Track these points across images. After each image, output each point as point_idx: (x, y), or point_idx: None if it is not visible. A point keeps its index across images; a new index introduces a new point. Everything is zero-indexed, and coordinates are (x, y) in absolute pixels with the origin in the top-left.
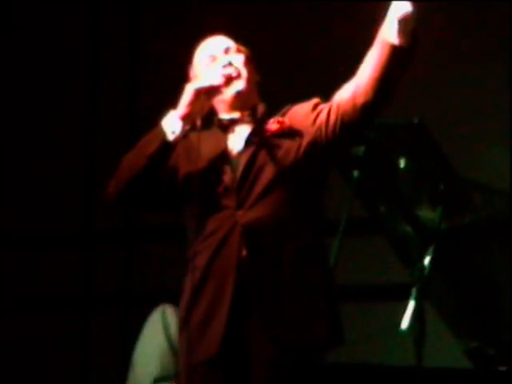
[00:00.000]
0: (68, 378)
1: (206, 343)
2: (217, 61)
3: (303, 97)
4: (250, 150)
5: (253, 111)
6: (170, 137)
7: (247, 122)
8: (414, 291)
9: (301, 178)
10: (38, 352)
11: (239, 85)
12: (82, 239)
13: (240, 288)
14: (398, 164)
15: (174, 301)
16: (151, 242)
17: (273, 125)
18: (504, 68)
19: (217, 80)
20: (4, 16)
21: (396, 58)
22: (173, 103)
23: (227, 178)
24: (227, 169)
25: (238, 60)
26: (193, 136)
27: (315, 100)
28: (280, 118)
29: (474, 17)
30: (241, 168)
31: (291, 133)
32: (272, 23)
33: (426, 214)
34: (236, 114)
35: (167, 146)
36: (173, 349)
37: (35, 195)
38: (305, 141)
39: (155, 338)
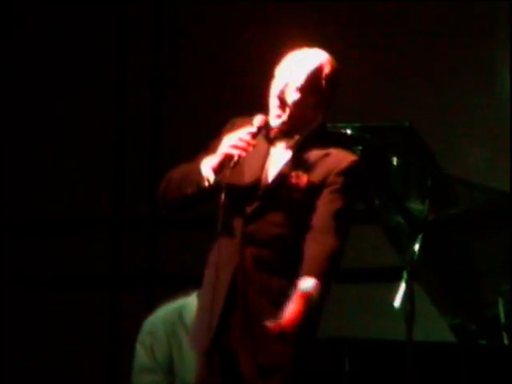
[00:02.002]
0: (96, 358)
1: (203, 334)
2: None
3: None
4: (271, 188)
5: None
6: (205, 184)
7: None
8: (404, 274)
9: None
10: (67, 331)
11: (275, 122)
12: (111, 225)
13: (231, 298)
14: (390, 162)
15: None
16: (175, 229)
17: (292, 180)
18: (484, 71)
19: (232, 152)
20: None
21: None
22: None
23: (249, 202)
24: (253, 192)
25: (287, 99)
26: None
27: (349, 163)
28: (300, 173)
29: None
30: (256, 205)
31: (306, 190)
32: None
33: (416, 206)
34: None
35: (203, 191)
36: (161, 369)
37: (69, 182)
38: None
39: (143, 361)
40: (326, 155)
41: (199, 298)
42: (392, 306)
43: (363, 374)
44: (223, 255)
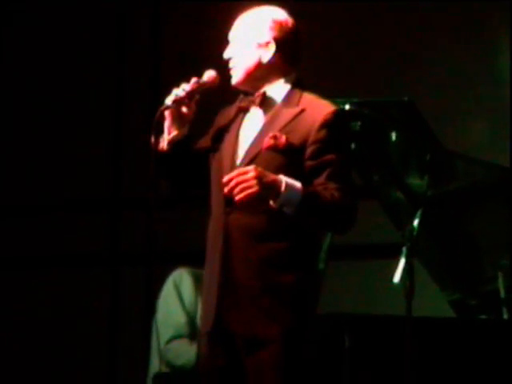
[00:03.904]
0: (96, 334)
1: (206, 316)
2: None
3: None
4: (250, 155)
5: (261, 97)
6: (161, 145)
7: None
8: (404, 249)
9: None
10: (67, 308)
11: (232, 81)
12: (111, 204)
13: (224, 277)
14: (389, 137)
15: (194, 261)
16: (174, 206)
17: (269, 140)
18: (484, 48)
19: (169, 100)
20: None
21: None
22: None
23: (223, 172)
24: (227, 163)
25: (230, 52)
26: (221, 112)
27: (329, 116)
28: (277, 133)
29: None
30: (232, 170)
31: (285, 150)
32: None
33: (415, 181)
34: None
35: (161, 153)
36: (185, 311)
37: (69, 164)
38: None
39: (170, 302)
40: (302, 111)
41: (204, 275)
42: (392, 281)
43: (363, 350)
44: (213, 229)
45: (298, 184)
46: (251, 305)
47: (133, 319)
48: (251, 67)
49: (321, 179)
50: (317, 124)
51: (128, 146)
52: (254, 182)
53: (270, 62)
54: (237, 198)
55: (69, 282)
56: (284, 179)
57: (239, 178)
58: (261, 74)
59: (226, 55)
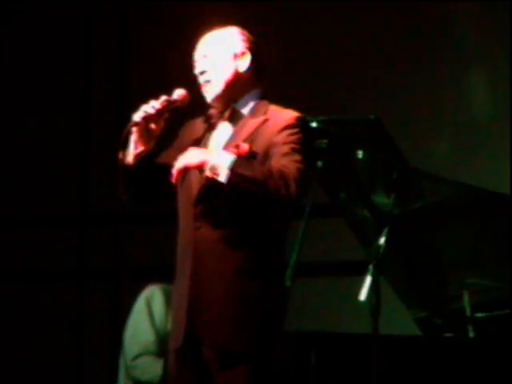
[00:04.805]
0: (62, 350)
1: (176, 333)
2: None
3: None
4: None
5: (230, 112)
6: (127, 160)
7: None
8: (370, 267)
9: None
10: (34, 324)
11: (209, 94)
12: (77, 220)
13: (194, 293)
14: (356, 155)
15: (163, 276)
16: (141, 223)
17: (232, 149)
18: (449, 69)
19: (138, 116)
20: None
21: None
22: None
23: (191, 188)
24: (193, 179)
25: (204, 66)
26: (186, 125)
27: (290, 120)
28: (240, 143)
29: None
30: (200, 187)
31: (248, 158)
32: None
33: (381, 199)
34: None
35: (126, 168)
36: (154, 329)
37: (35, 178)
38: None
39: (140, 319)
40: (266, 121)
41: (173, 291)
42: (358, 299)
43: (329, 367)
44: (182, 244)
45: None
46: (222, 318)
47: (99, 334)
48: (230, 78)
49: (274, 159)
50: (278, 128)
51: (94, 163)
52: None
53: (245, 72)
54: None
55: (36, 296)
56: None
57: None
58: (237, 85)
59: (198, 70)
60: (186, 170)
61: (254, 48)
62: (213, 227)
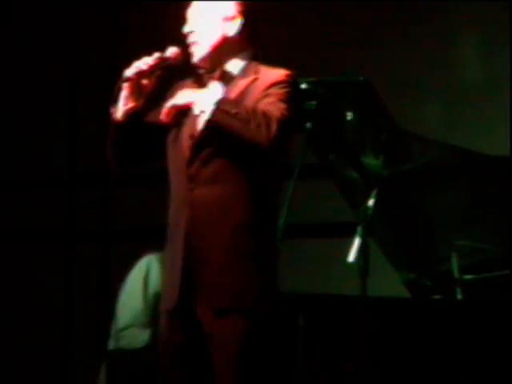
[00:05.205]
0: (53, 313)
1: (168, 294)
2: None
3: None
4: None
5: (220, 73)
6: (117, 115)
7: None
8: (359, 229)
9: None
10: (23, 285)
11: (195, 55)
12: (66, 182)
13: (189, 254)
14: (345, 117)
15: (153, 239)
16: (130, 184)
17: None
18: (440, 29)
19: (129, 72)
20: None
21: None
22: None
23: (184, 149)
24: (185, 140)
25: (193, 26)
26: (176, 85)
27: (281, 77)
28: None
29: None
30: (193, 147)
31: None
32: None
33: (370, 161)
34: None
35: (118, 124)
36: (146, 299)
37: (24, 140)
38: None
39: (133, 289)
40: (255, 79)
41: (165, 253)
42: (346, 261)
43: (317, 329)
44: (175, 206)
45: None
46: (219, 277)
47: (89, 298)
48: (217, 41)
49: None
50: (268, 84)
51: (84, 122)
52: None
53: (234, 36)
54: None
55: (24, 258)
56: None
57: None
58: (225, 48)
59: (187, 29)
60: (176, 109)
61: (246, 12)
62: (207, 187)
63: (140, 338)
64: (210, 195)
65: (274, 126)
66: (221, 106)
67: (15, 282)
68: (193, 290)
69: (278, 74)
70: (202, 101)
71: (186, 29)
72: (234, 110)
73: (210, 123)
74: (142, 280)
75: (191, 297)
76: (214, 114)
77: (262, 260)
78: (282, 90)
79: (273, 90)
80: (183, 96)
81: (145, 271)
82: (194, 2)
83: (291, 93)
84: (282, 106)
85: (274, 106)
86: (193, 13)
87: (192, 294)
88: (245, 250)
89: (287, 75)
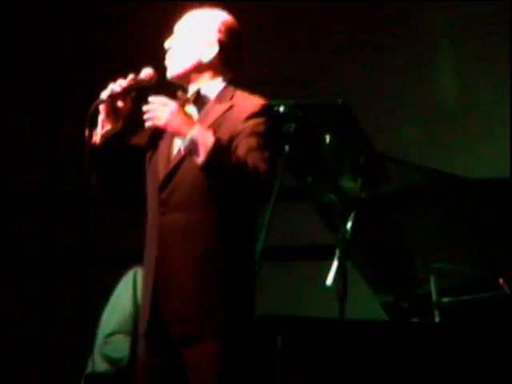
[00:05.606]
0: (29, 335)
1: (142, 317)
2: None
3: None
4: (179, 155)
5: (195, 94)
6: (94, 140)
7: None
8: (337, 252)
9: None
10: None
11: (168, 72)
12: (43, 202)
13: (158, 279)
14: (323, 140)
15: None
16: (110, 205)
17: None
18: (414, 54)
19: (105, 94)
20: None
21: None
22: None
23: (158, 173)
24: (160, 163)
25: (172, 43)
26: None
27: (256, 107)
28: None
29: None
30: (166, 172)
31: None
32: None
33: (348, 184)
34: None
35: (95, 148)
36: (134, 306)
37: (3, 158)
38: None
39: (122, 297)
40: (231, 107)
41: (142, 275)
42: (325, 284)
43: (296, 352)
44: (149, 229)
45: (211, 136)
46: (187, 303)
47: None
48: (190, 64)
49: (241, 150)
50: (244, 116)
51: (62, 142)
52: (167, 112)
53: (209, 62)
54: (145, 120)
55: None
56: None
57: (156, 105)
58: (197, 72)
59: (167, 45)
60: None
61: (228, 41)
62: (177, 213)
63: (124, 346)
64: (179, 221)
65: (266, 181)
66: (215, 153)
67: None
68: (161, 315)
69: (253, 104)
70: (195, 139)
71: (166, 44)
72: (227, 161)
73: (203, 167)
74: (131, 288)
75: (160, 322)
76: (209, 161)
77: (230, 286)
78: (260, 128)
79: (251, 126)
80: (173, 119)
81: (133, 280)
82: (183, 18)
83: (269, 127)
84: (265, 155)
85: (257, 157)
86: (177, 29)
87: (161, 319)
88: (210, 277)
89: (262, 106)
